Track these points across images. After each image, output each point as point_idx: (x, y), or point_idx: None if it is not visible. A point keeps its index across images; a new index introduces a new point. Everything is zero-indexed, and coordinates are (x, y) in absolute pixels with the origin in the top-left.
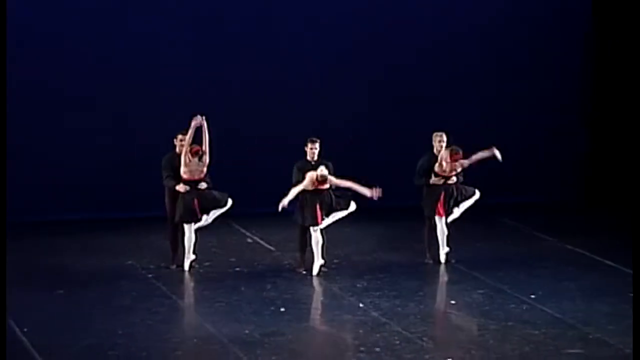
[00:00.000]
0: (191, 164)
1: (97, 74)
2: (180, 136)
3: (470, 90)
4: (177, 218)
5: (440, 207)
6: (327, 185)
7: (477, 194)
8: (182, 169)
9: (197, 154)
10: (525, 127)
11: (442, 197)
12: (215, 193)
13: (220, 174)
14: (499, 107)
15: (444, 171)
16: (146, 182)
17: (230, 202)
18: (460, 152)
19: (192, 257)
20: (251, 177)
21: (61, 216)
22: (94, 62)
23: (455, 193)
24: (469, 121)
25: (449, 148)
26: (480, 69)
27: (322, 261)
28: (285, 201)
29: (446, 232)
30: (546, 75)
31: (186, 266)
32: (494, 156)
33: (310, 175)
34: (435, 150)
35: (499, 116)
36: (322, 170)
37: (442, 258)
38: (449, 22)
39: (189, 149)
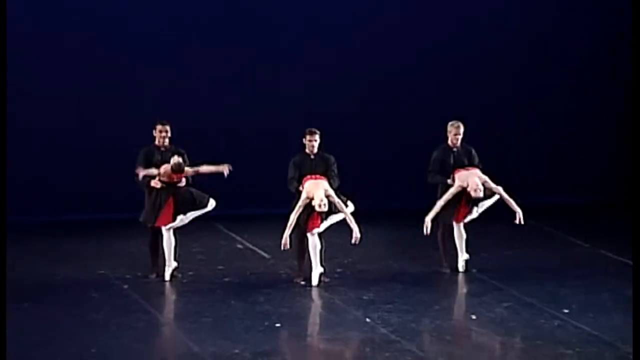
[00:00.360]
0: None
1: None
2: (159, 126)
3: (500, 89)
4: (141, 217)
5: (461, 212)
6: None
7: (501, 191)
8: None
9: (173, 180)
10: (559, 121)
11: (463, 200)
12: (195, 193)
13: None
14: (530, 103)
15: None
16: (123, 180)
17: (212, 203)
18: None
19: (174, 265)
20: (243, 175)
21: (22, 218)
22: (91, 62)
23: None
24: (498, 121)
25: (477, 196)
26: (512, 65)
27: (321, 269)
28: (286, 236)
29: (464, 236)
30: (580, 73)
31: (167, 276)
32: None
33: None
34: (450, 142)
35: (530, 112)
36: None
37: (461, 266)
38: (474, 17)
39: (166, 176)
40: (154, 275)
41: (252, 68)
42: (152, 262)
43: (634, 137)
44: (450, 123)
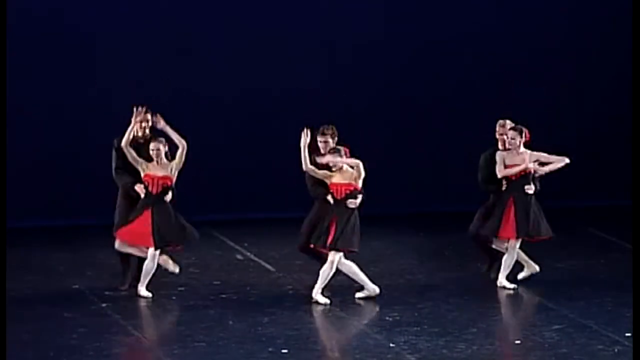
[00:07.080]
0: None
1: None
2: (139, 118)
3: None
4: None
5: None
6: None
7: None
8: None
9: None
10: (607, 120)
11: (512, 211)
12: (180, 221)
13: (209, 171)
14: (583, 97)
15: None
16: (101, 180)
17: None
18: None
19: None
20: (243, 174)
21: None
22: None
23: None
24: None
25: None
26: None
27: (324, 300)
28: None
29: (515, 257)
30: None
31: (142, 291)
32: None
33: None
34: (499, 145)
35: (587, 103)
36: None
37: (502, 282)
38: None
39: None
40: (124, 287)
41: (255, 67)
42: (123, 269)
43: (634, 137)
44: (498, 123)
